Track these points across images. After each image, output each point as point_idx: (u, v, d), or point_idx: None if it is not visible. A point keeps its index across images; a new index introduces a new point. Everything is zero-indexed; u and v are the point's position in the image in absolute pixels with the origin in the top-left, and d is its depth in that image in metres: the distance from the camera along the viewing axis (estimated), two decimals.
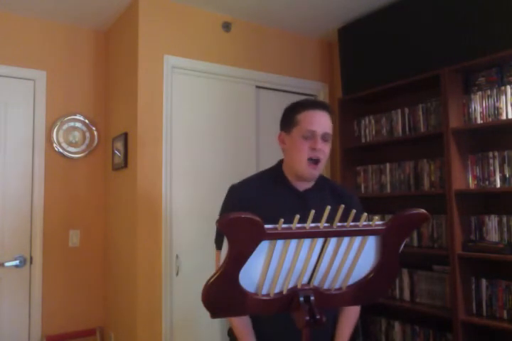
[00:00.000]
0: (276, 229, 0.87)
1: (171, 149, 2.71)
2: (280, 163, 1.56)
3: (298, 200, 1.46)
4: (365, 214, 0.95)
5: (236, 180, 1.58)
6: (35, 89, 2.92)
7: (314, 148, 1.40)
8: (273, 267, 0.92)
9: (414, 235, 2.71)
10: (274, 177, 1.51)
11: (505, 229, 2.31)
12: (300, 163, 1.43)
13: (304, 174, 1.44)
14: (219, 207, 1.55)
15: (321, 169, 1.46)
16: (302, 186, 1.49)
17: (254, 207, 1.37)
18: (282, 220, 0.87)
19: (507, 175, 2.32)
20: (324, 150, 1.43)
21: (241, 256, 0.88)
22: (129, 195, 2.69)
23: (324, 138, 1.42)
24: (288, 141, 1.47)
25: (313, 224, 0.88)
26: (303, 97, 3.31)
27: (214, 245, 1.52)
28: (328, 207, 0.88)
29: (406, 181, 2.79)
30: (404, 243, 0.98)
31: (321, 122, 1.42)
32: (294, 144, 1.44)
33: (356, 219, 0.93)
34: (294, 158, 1.44)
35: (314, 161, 1.42)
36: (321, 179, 1.55)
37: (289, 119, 1.47)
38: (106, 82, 3.17)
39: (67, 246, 2.95)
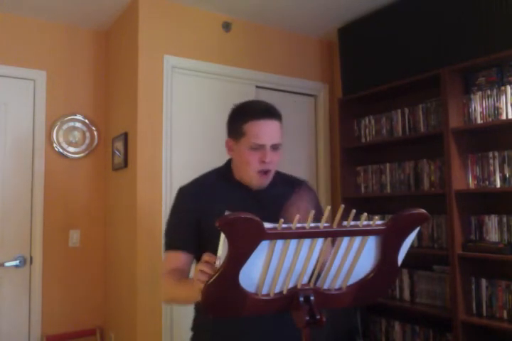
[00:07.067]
0: (276, 229, 0.87)
1: (171, 149, 2.71)
2: (229, 162, 1.49)
3: (251, 199, 1.40)
4: (365, 214, 0.95)
5: None
6: (35, 89, 2.92)
7: (264, 161, 1.34)
8: (273, 267, 0.92)
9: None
10: (223, 178, 1.45)
11: (505, 229, 2.31)
12: (249, 175, 1.37)
13: (254, 184, 1.39)
14: None
15: (271, 177, 1.40)
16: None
17: (207, 209, 1.34)
18: (282, 220, 0.87)
19: (507, 175, 2.32)
20: (274, 160, 1.36)
21: (241, 256, 0.88)
22: (129, 194, 2.69)
23: (273, 147, 1.35)
24: (236, 149, 1.39)
25: (313, 224, 0.88)
26: (303, 97, 3.38)
27: None
28: (329, 207, 0.88)
29: (406, 181, 2.79)
30: (410, 243, 0.97)
31: (269, 133, 1.33)
32: (242, 155, 1.36)
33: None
34: (243, 170, 1.38)
35: (264, 172, 1.37)
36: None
37: (235, 128, 1.40)
38: (106, 82, 3.17)
39: (67, 246, 2.95)
